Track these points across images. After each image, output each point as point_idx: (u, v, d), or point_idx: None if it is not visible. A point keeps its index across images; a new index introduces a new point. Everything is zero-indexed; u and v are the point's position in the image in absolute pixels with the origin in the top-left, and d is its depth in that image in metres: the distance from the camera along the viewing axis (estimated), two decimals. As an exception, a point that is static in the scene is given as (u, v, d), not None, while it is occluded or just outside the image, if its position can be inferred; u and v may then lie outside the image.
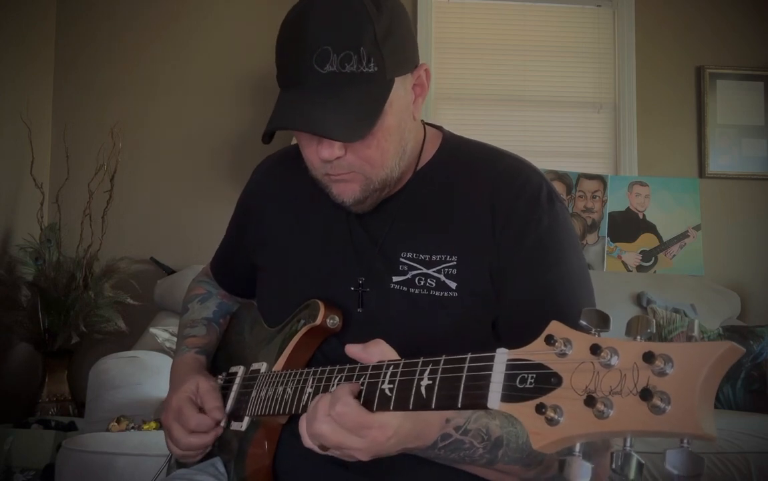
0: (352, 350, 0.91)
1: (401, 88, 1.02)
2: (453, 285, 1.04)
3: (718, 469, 2.13)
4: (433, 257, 1.06)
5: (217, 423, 1.14)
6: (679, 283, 3.37)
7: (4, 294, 3.03)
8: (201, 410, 1.15)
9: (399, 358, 0.88)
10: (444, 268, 1.05)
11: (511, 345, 0.71)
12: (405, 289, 1.06)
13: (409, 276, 1.06)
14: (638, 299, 3.21)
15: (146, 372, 2.43)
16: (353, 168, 1.02)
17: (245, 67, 3.51)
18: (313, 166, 1.05)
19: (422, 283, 1.05)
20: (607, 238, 3.51)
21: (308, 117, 0.96)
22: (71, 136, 3.33)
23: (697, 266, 3.52)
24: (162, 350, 2.67)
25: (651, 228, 3.55)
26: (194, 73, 3.57)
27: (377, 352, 0.89)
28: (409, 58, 1.04)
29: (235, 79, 3.54)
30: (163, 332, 2.76)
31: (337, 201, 1.06)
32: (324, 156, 1.00)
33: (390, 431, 0.83)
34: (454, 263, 1.05)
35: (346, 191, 1.04)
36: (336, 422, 0.83)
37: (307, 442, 0.87)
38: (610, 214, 3.53)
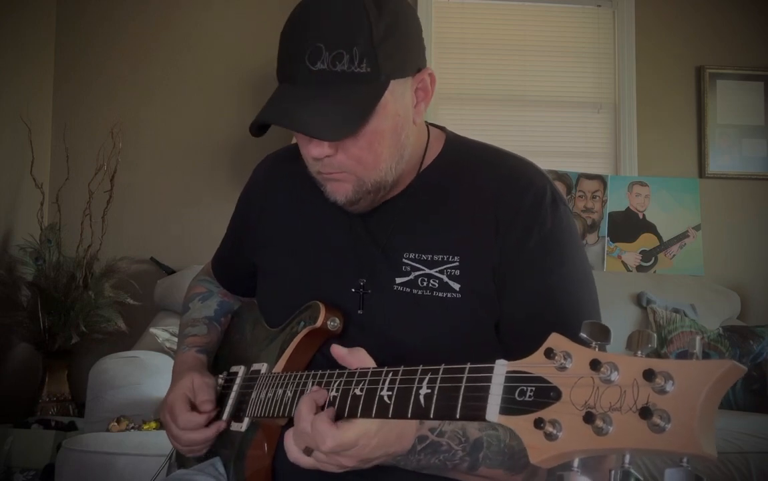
0: (338, 351, 0.93)
1: (399, 91, 1.00)
2: (456, 286, 1.03)
3: (718, 469, 2.13)
4: (435, 257, 1.05)
5: (208, 417, 1.14)
6: (679, 283, 3.36)
7: (4, 294, 3.03)
8: (194, 405, 1.16)
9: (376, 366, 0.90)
10: (447, 268, 1.04)
11: (514, 348, 0.71)
12: (408, 290, 1.05)
13: (411, 277, 1.05)
14: (638, 299, 3.21)
15: (146, 372, 2.43)
16: (344, 168, 1.01)
17: (245, 68, 3.51)
18: (308, 163, 1.05)
19: (425, 283, 1.05)
20: (607, 238, 3.51)
21: (293, 114, 0.96)
22: (71, 136, 3.33)
23: (697, 266, 3.52)
24: (162, 350, 2.67)
25: (651, 228, 3.54)
26: (194, 73, 3.57)
27: (361, 357, 0.92)
28: (411, 61, 1.02)
29: (236, 79, 3.54)
30: (163, 332, 2.76)
31: (331, 199, 1.06)
32: (313, 154, 1.00)
33: (371, 432, 0.85)
34: (457, 263, 1.04)
35: (339, 191, 1.04)
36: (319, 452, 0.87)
37: (301, 461, 0.91)
38: (610, 215, 3.52)
